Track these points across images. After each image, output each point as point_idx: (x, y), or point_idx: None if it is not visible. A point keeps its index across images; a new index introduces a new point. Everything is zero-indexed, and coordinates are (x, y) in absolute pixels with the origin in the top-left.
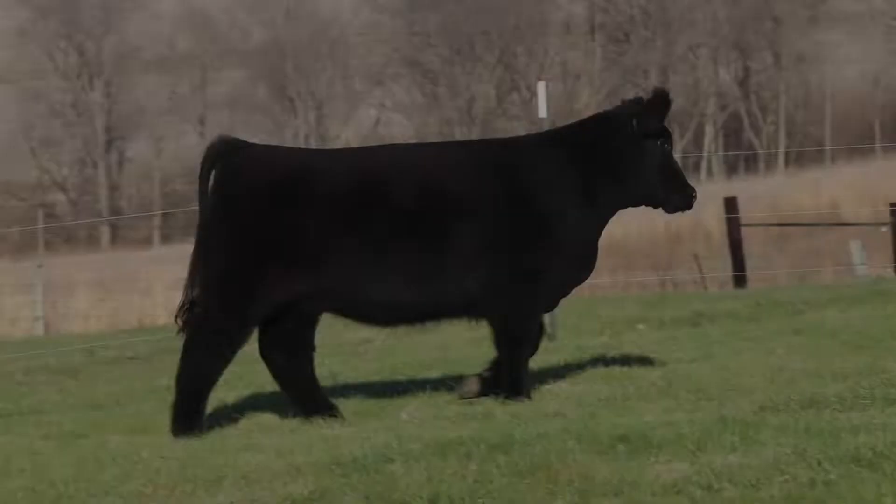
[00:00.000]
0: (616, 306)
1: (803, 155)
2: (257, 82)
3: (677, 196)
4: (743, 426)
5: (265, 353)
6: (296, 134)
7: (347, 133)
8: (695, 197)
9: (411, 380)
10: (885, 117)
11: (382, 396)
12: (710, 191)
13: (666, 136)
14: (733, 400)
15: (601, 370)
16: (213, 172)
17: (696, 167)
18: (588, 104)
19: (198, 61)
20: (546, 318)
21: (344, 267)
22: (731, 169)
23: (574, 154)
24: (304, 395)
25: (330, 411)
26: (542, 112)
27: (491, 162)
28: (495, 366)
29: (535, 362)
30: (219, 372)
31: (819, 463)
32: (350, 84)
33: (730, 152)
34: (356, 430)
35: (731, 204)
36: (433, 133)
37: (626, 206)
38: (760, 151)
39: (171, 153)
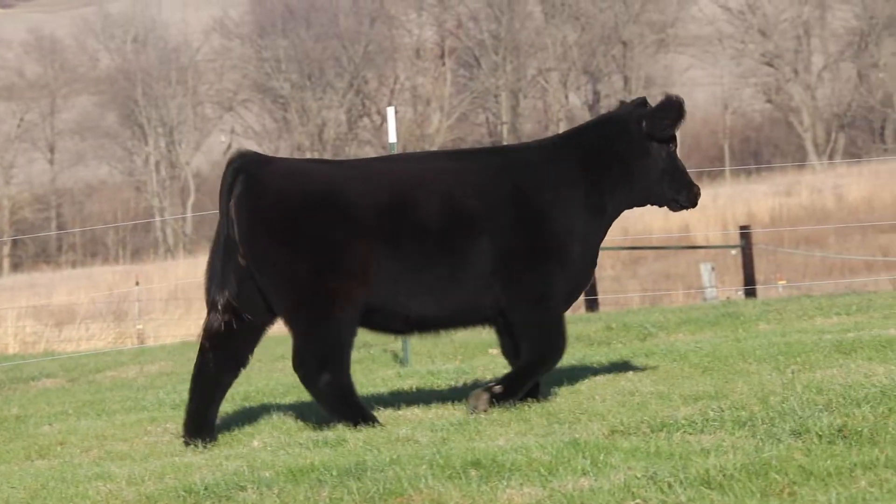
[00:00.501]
0: (469, 331)
1: None
2: (107, 109)
3: (683, 195)
4: (594, 450)
5: (204, 344)
6: (146, 161)
7: (198, 160)
8: (699, 195)
9: (263, 406)
10: (734, 140)
11: (234, 424)
12: None
13: (673, 136)
14: (585, 423)
15: (454, 395)
16: (235, 188)
17: None
18: (438, 129)
19: (46, 88)
20: (399, 342)
21: (380, 278)
22: None
23: (583, 157)
24: (199, 408)
25: (210, 434)
26: (392, 137)
27: (509, 170)
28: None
29: (388, 387)
30: (349, 379)
31: (669, 486)
32: (201, 110)
33: None
34: (208, 458)
35: None
36: None
37: (632, 207)
38: None
39: (21, 181)
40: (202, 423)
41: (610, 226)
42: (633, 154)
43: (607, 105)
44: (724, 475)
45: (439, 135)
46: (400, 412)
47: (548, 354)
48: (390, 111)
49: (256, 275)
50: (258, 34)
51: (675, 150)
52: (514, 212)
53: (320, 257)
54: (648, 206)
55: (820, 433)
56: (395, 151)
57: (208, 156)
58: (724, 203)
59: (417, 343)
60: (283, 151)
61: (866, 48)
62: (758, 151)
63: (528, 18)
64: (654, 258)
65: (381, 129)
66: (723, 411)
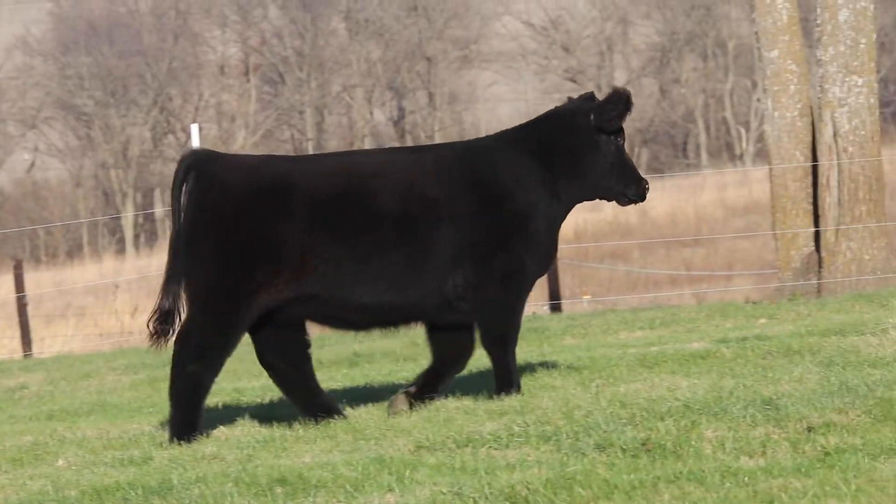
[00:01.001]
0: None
1: None
2: None
3: (632, 189)
4: (400, 466)
5: (265, 361)
6: None
7: (1, 178)
8: (647, 189)
9: (69, 425)
10: None
11: (39, 443)
12: None
13: (621, 130)
14: (391, 439)
15: (260, 412)
16: (187, 184)
17: None
18: (244, 146)
19: None
20: None
21: (327, 272)
22: None
23: (535, 150)
24: (305, 399)
25: (333, 412)
26: None
27: (462, 164)
28: (422, 379)
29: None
30: (211, 381)
31: (475, 501)
32: (3, 128)
33: None
34: (11, 478)
35: None
36: (89, 176)
37: (583, 200)
38: None
39: None
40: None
41: (564, 218)
42: (582, 148)
43: (412, 122)
44: (528, 490)
45: (244, 151)
46: (206, 430)
47: (507, 335)
48: (194, 128)
49: (185, 260)
50: (61, 51)
51: (623, 145)
52: (475, 196)
53: (254, 250)
54: (609, 199)
55: (624, 447)
56: None
57: (11, 174)
58: None
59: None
60: (87, 169)
61: (668, 64)
62: None
63: (332, 35)
64: None
65: (185, 145)
66: (528, 426)
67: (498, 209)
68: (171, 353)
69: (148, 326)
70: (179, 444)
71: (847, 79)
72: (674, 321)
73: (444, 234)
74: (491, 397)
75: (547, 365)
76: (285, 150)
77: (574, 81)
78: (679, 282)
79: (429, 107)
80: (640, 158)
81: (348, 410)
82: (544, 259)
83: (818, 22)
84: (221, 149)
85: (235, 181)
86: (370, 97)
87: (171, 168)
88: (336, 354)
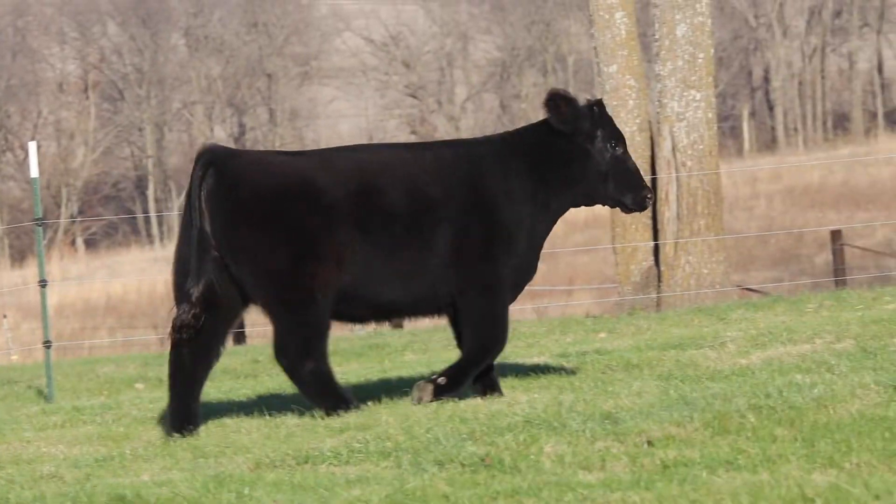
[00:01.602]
0: (115, 366)
1: None
2: None
3: (629, 197)
4: (239, 483)
5: (176, 339)
6: None
7: None
8: (649, 198)
9: None
10: None
11: None
12: None
13: (616, 138)
14: (230, 457)
15: (99, 431)
16: (206, 181)
17: None
18: (83, 163)
19: None
20: (43, 378)
21: (352, 267)
22: None
23: (528, 155)
24: (181, 395)
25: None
26: (34, 172)
27: (463, 160)
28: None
29: (32, 424)
30: (329, 366)
31: None
32: None
33: None
34: None
35: None
36: None
37: (577, 206)
38: None
39: None
40: (185, 417)
41: (554, 223)
42: (572, 155)
43: (252, 138)
44: None
45: (84, 169)
46: (44, 449)
47: (489, 344)
48: (32, 146)
49: (232, 266)
50: None
51: (622, 153)
52: (466, 201)
53: (297, 245)
54: (610, 206)
55: (464, 462)
56: (38, 187)
57: None
58: None
59: (63, 379)
60: None
61: (508, 79)
62: None
63: (171, 52)
64: None
65: (24, 163)
66: (368, 442)
67: (484, 218)
68: (285, 371)
69: (174, 324)
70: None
71: (685, 93)
72: (514, 336)
73: (441, 235)
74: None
75: (387, 381)
76: (125, 167)
77: (415, 97)
78: (520, 297)
79: (269, 123)
80: None
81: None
82: (524, 272)
83: (656, 37)
84: (60, 167)
85: (261, 176)
86: (210, 114)
87: (10, 186)
88: None
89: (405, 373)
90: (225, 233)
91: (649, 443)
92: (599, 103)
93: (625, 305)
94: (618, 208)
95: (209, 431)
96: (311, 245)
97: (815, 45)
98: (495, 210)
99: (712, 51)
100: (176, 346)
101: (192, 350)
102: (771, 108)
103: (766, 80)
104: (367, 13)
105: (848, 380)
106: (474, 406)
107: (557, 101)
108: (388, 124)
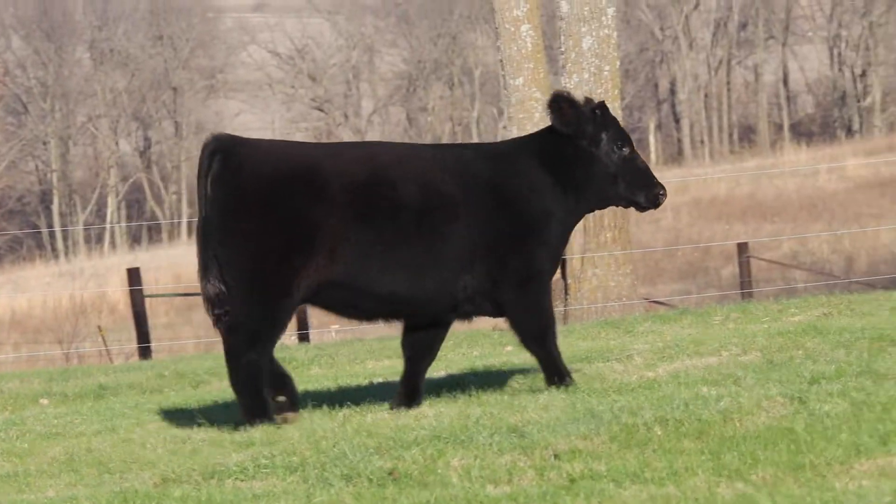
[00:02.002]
0: (20, 381)
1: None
2: None
3: (642, 196)
4: (144, 499)
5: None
6: None
7: None
8: (663, 195)
9: None
10: None
11: None
12: (113, 263)
13: (622, 139)
14: (136, 472)
15: (2, 447)
16: (213, 169)
17: (100, 239)
18: None
19: None
20: None
21: (353, 259)
22: (134, 240)
23: (544, 159)
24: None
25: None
26: None
27: (483, 159)
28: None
29: None
30: (266, 365)
31: None
32: None
33: (133, 223)
34: None
35: (133, 275)
36: None
37: (593, 209)
38: (163, 221)
39: None
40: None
41: (574, 227)
42: (578, 159)
43: (158, 152)
44: None
45: None
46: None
47: (546, 328)
48: None
49: (219, 247)
50: None
51: (630, 152)
52: (492, 197)
53: (289, 234)
54: (624, 206)
55: (370, 476)
56: None
57: None
58: None
59: None
60: None
61: (415, 92)
62: None
63: (76, 65)
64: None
65: None
66: (274, 457)
67: (514, 212)
68: (224, 345)
69: (210, 315)
70: (256, 425)
71: None
72: None
73: (458, 232)
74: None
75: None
76: (29, 181)
77: (321, 110)
78: None
79: (175, 136)
80: None
81: (94, 444)
82: (555, 262)
83: (562, 50)
84: None
85: (265, 164)
86: (115, 127)
87: None
88: (81, 387)
89: (311, 387)
90: (222, 216)
91: (556, 456)
92: (602, 105)
93: None
94: (631, 208)
95: (114, 447)
96: (303, 235)
97: (720, 57)
98: (525, 203)
99: (618, 63)
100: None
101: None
102: (677, 121)
103: (673, 92)
104: (273, 26)
105: (754, 392)
106: (381, 420)
107: (560, 103)
108: (295, 137)
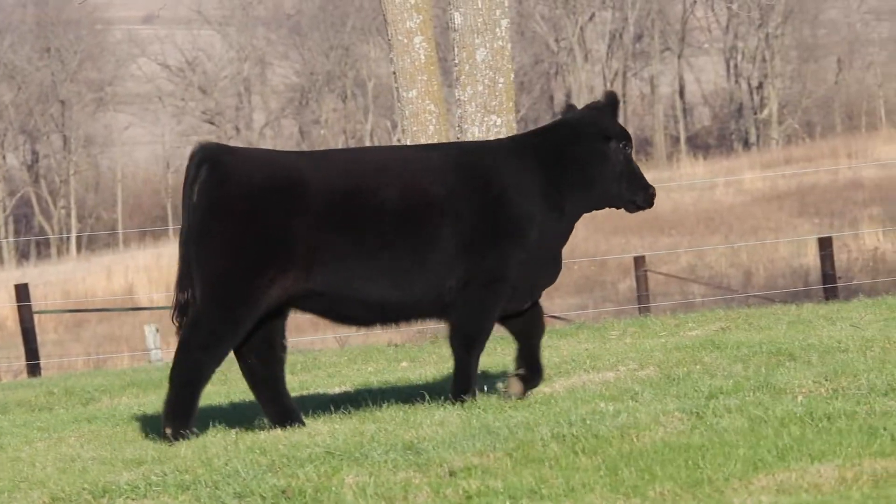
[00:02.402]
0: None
1: (96, 239)
2: None
3: (640, 196)
4: None
5: (239, 353)
6: None
7: None
8: (654, 195)
9: None
10: (176, 199)
11: None
12: (0, 278)
13: (626, 138)
14: (25, 492)
15: None
16: (200, 177)
17: None
18: None
19: None
20: None
21: (334, 267)
22: (22, 255)
23: (541, 158)
24: (271, 398)
25: (295, 418)
26: None
27: (466, 165)
28: (520, 360)
29: None
30: (212, 371)
31: None
32: None
33: (20, 238)
34: None
35: (22, 291)
36: None
37: (591, 210)
38: (52, 237)
39: None
40: (285, 415)
41: (571, 230)
42: (590, 157)
43: (46, 166)
44: None
45: None
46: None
47: (474, 335)
48: None
49: (194, 248)
50: None
51: (630, 152)
52: (476, 197)
53: (269, 243)
54: (617, 206)
55: (263, 495)
56: None
57: None
58: (168, 263)
59: None
60: None
61: (307, 105)
62: None
63: None
64: (97, 321)
65: None
66: (166, 475)
67: (495, 212)
68: (178, 345)
69: (173, 321)
70: (172, 427)
71: (486, 119)
72: (315, 366)
73: (445, 234)
74: (434, 399)
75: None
76: None
77: (212, 123)
78: (321, 326)
79: (64, 150)
80: None
81: None
82: (537, 272)
83: (456, 62)
84: None
85: (249, 173)
86: (2, 141)
87: None
88: None
89: (202, 403)
90: (202, 221)
91: (452, 473)
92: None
93: (427, 333)
94: (623, 208)
95: (2, 466)
96: (283, 245)
97: (616, 69)
98: (505, 204)
99: (513, 75)
100: (240, 359)
101: (255, 355)
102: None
103: (568, 104)
104: (163, 38)
105: (651, 407)
106: (274, 437)
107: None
108: (185, 151)
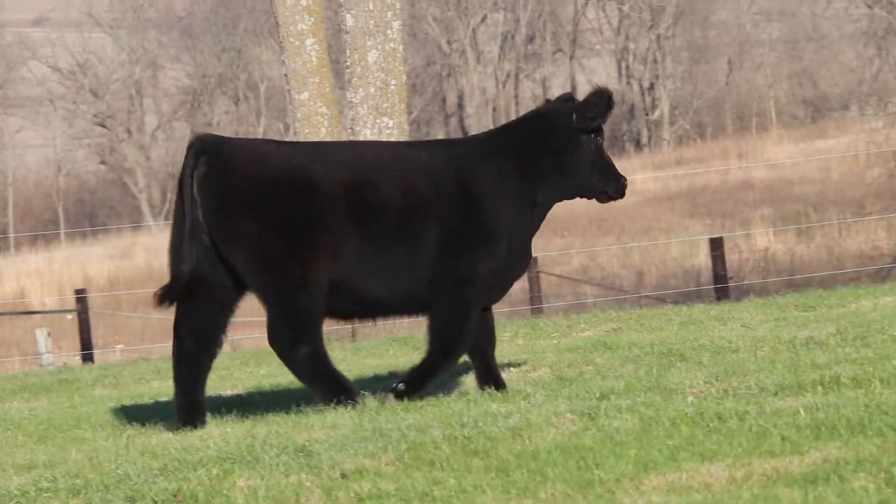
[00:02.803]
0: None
1: None
2: None
3: (612, 186)
4: None
5: (178, 330)
6: None
7: None
8: (626, 185)
9: None
10: (68, 203)
11: None
12: None
13: (598, 128)
14: None
15: None
16: (198, 170)
17: None
18: None
19: None
20: None
21: (343, 255)
22: None
23: (516, 151)
24: (188, 389)
25: (200, 418)
26: None
27: (453, 159)
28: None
29: None
30: (324, 348)
31: None
32: None
33: None
34: None
35: None
36: None
37: (563, 199)
38: None
39: None
40: (193, 410)
41: (543, 218)
42: (564, 147)
43: None
44: None
45: None
46: None
47: (450, 342)
48: None
49: (225, 253)
50: None
51: (602, 143)
52: (453, 199)
53: (291, 231)
54: (589, 197)
55: (155, 499)
56: None
57: None
58: (60, 267)
59: None
60: None
61: (199, 107)
62: (93, 213)
63: None
64: None
65: None
66: (56, 480)
67: (467, 215)
68: (279, 356)
69: (156, 294)
70: (347, 404)
71: (378, 120)
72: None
73: (430, 231)
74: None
75: (77, 417)
76: None
77: (104, 126)
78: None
79: None
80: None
81: None
82: (507, 270)
83: (348, 64)
84: None
85: (253, 163)
86: None
87: None
88: None
89: (94, 408)
90: (217, 219)
91: (343, 476)
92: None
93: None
94: (594, 199)
95: None
96: (304, 232)
97: (508, 70)
98: (477, 208)
99: (405, 77)
100: (178, 337)
101: (194, 341)
102: (465, 135)
103: (461, 106)
104: (54, 41)
105: (543, 409)
106: (166, 441)
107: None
108: (77, 154)
